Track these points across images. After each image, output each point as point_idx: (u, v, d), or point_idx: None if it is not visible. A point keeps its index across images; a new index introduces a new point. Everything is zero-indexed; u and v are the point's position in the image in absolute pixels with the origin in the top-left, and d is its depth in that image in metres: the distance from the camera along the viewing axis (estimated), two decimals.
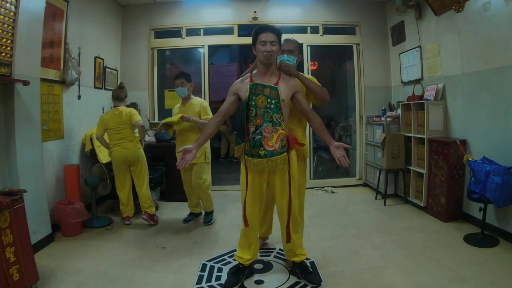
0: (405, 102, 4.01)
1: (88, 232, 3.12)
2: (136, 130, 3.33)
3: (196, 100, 3.26)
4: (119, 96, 3.34)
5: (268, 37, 2.02)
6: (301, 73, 2.32)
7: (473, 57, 3.14)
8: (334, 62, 5.95)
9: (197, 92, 4.84)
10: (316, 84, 2.29)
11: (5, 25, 2.34)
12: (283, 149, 2.04)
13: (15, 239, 1.88)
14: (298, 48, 2.39)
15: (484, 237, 2.76)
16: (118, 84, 3.70)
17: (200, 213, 3.53)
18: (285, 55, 2.29)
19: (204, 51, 4.74)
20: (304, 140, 2.41)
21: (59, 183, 3.23)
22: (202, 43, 4.75)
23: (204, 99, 4.76)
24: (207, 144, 3.16)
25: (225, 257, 2.61)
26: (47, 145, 3.07)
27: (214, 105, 4.39)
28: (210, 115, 3.12)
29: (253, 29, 2.09)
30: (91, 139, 3.61)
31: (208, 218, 3.40)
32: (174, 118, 3.10)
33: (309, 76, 2.42)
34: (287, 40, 2.36)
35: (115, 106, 3.33)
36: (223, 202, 4.10)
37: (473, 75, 3.16)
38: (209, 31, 4.74)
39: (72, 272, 2.35)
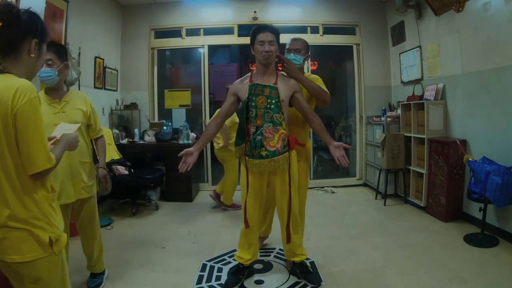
0: (405, 102, 4.01)
1: None
2: None
3: (76, 94, 2.08)
4: None
5: (266, 37, 2.01)
6: (303, 74, 2.26)
7: (473, 57, 3.14)
8: (334, 62, 5.95)
9: (197, 92, 4.88)
10: (315, 85, 2.21)
11: None
12: (284, 148, 2.04)
13: None
14: (306, 47, 2.33)
15: (484, 237, 2.75)
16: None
17: None
18: (292, 54, 2.26)
19: (204, 51, 4.75)
20: (308, 141, 2.40)
21: None
22: (202, 43, 4.75)
23: (204, 99, 4.77)
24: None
25: (225, 257, 2.61)
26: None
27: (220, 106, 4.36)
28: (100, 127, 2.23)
29: (251, 29, 2.09)
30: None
31: None
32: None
33: (314, 76, 2.34)
34: (294, 39, 2.33)
35: None
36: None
37: (473, 75, 3.16)
38: (209, 31, 4.75)
39: (72, 272, 2.33)
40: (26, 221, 1.12)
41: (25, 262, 1.13)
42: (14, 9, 1.16)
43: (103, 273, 2.25)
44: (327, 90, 2.23)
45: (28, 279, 1.17)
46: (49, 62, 1.85)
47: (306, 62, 2.41)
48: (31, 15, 1.22)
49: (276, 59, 2.14)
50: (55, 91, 1.94)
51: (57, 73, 1.88)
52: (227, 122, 3.34)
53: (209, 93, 4.85)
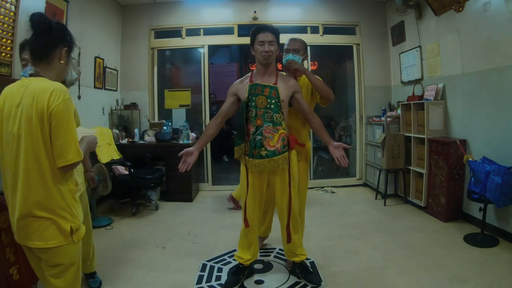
0: (405, 102, 4.01)
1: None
2: None
3: None
4: None
5: (266, 37, 2.01)
6: (302, 75, 2.29)
7: (473, 57, 3.14)
8: (334, 62, 5.95)
9: (197, 92, 4.87)
10: (322, 82, 2.24)
11: (5, 25, 2.34)
12: (284, 148, 2.04)
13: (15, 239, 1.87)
14: (305, 47, 2.35)
15: (484, 237, 2.75)
16: None
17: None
18: (290, 54, 2.26)
19: (204, 51, 4.74)
20: (308, 141, 2.40)
21: None
22: (202, 43, 4.75)
23: (204, 99, 4.77)
24: None
25: (225, 257, 2.61)
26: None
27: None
28: None
29: (251, 29, 2.09)
30: None
31: None
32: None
33: (315, 77, 2.35)
34: (292, 40, 2.34)
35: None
36: (223, 202, 4.09)
37: (473, 75, 3.16)
38: (209, 31, 4.74)
39: None
40: (51, 210, 1.25)
41: (47, 248, 1.27)
42: (47, 20, 1.28)
43: (95, 272, 2.24)
44: (330, 89, 2.26)
45: (47, 263, 1.31)
46: None
47: (305, 62, 2.41)
48: (61, 25, 1.35)
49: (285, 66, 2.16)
50: None
51: None
52: None
53: (210, 94, 4.85)
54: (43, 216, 1.24)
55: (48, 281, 1.34)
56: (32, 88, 1.23)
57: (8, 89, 1.30)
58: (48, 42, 1.28)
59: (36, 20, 1.24)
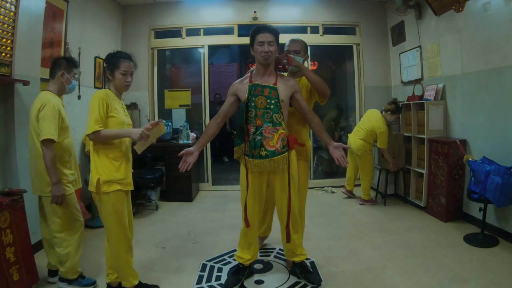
0: (405, 102, 4.01)
1: (88, 232, 3.12)
2: None
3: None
4: None
5: (265, 38, 2.01)
6: (303, 76, 2.28)
7: (473, 57, 3.14)
8: (334, 62, 5.95)
9: (197, 92, 4.87)
10: (317, 76, 2.22)
11: (5, 25, 2.34)
12: (284, 148, 2.04)
13: (15, 239, 1.88)
14: (305, 48, 2.34)
15: (484, 237, 2.75)
16: None
17: None
18: (291, 55, 2.25)
19: (204, 51, 4.74)
20: (308, 141, 2.40)
21: None
22: (202, 43, 4.75)
23: (204, 99, 4.77)
24: None
25: (225, 257, 2.61)
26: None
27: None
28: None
29: (251, 30, 2.09)
30: None
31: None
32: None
33: None
34: (292, 41, 2.33)
35: None
36: (223, 202, 4.10)
37: (473, 75, 3.16)
38: (209, 31, 4.75)
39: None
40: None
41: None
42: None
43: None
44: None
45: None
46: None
47: (305, 62, 2.41)
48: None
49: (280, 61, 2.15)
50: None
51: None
52: None
53: (215, 94, 4.84)
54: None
55: None
56: None
57: None
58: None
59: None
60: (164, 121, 2.16)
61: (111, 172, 1.91)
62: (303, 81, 2.32)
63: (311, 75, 2.21)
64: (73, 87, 2.24)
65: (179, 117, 4.76)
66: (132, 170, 2.14)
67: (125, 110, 2.10)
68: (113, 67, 1.94)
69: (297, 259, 2.25)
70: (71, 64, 2.15)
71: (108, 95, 1.92)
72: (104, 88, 3.00)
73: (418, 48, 4.04)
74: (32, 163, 2.11)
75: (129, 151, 2.09)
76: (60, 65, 2.10)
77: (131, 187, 2.06)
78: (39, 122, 1.96)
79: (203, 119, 4.77)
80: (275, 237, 2.71)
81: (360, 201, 3.98)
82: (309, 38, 4.69)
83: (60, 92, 2.18)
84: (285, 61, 2.19)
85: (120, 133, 1.93)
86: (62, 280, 2.16)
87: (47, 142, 1.93)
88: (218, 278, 2.29)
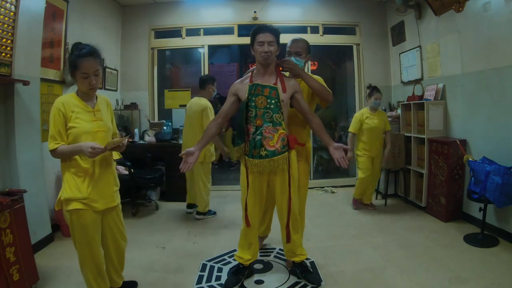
0: (405, 102, 4.01)
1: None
2: None
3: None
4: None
5: (265, 38, 2.01)
6: (307, 72, 2.26)
7: (473, 57, 3.14)
8: (334, 62, 5.95)
9: (197, 92, 4.84)
10: (319, 84, 2.21)
11: (5, 25, 2.34)
12: (284, 148, 2.04)
13: (15, 239, 1.88)
14: (307, 48, 2.31)
15: (484, 237, 2.75)
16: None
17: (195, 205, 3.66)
18: (292, 57, 2.24)
19: (204, 51, 4.75)
20: (308, 141, 2.40)
21: (59, 183, 3.21)
22: (202, 43, 4.75)
23: None
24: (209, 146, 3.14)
25: (225, 257, 2.61)
26: (47, 145, 3.06)
27: None
28: None
29: (251, 30, 2.09)
30: None
31: (199, 215, 3.54)
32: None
33: (316, 77, 2.31)
34: (294, 41, 2.31)
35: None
36: (223, 202, 4.10)
37: (473, 75, 3.16)
38: (209, 31, 4.75)
39: (72, 272, 2.34)
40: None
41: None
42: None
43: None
44: (329, 90, 2.23)
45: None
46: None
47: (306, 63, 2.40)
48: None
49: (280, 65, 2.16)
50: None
51: None
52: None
53: (215, 94, 4.83)
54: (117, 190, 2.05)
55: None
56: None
57: None
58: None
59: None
60: (127, 141, 1.93)
61: (71, 189, 1.68)
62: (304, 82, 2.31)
63: (313, 83, 2.18)
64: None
65: (179, 117, 4.75)
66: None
67: (98, 113, 1.80)
68: (72, 68, 1.66)
69: (297, 259, 2.25)
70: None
71: (67, 103, 1.67)
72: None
73: (418, 48, 4.04)
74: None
75: (98, 164, 1.80)
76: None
77: (101, 206, 1.75)
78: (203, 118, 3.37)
79: None
80: (275, 237, 2.71)
81: (369, 208, 3.82)
82: (309, 38, 4.60)
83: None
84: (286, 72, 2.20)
85: (72, 150, 1.68)
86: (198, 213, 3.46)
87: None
88: (218, 278, 2.29)
